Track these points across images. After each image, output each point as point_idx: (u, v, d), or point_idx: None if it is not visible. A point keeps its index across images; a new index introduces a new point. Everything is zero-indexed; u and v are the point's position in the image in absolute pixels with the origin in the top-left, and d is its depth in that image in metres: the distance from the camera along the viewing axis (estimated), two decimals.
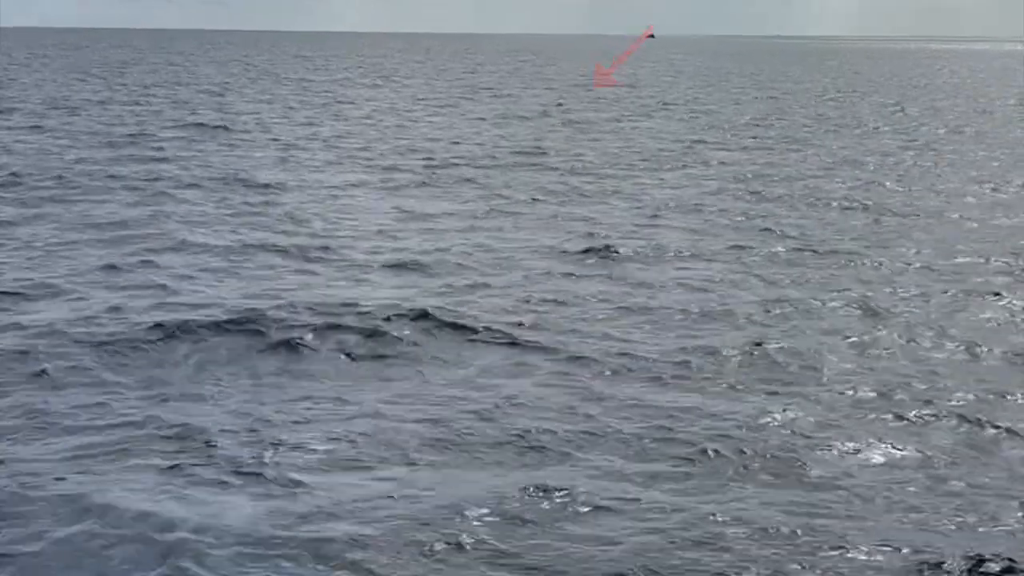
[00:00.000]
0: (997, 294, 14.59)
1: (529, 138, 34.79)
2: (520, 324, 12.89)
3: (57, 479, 8.55)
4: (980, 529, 7.93)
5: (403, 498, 8.27)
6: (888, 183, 25.29)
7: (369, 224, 19.54)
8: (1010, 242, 18.23)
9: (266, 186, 23.66)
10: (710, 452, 9.16)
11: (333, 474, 8.70)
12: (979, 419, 9.96)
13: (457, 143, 33.22)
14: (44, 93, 52.18)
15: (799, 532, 7.76)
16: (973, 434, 9.70)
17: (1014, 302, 14.20)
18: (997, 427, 9.80)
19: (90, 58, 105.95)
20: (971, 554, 7.42)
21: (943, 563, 7.33)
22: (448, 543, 7.58)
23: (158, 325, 12.48)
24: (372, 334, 12.39)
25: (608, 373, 11.25)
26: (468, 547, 7.55)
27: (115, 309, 13.36)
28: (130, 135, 33.66)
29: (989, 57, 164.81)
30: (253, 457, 8.96)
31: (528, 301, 14.07)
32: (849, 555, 7.49)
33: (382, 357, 11.81)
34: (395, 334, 12.37)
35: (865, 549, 7.54)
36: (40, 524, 7.83)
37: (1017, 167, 28.64)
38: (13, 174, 24.39)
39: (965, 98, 59.65)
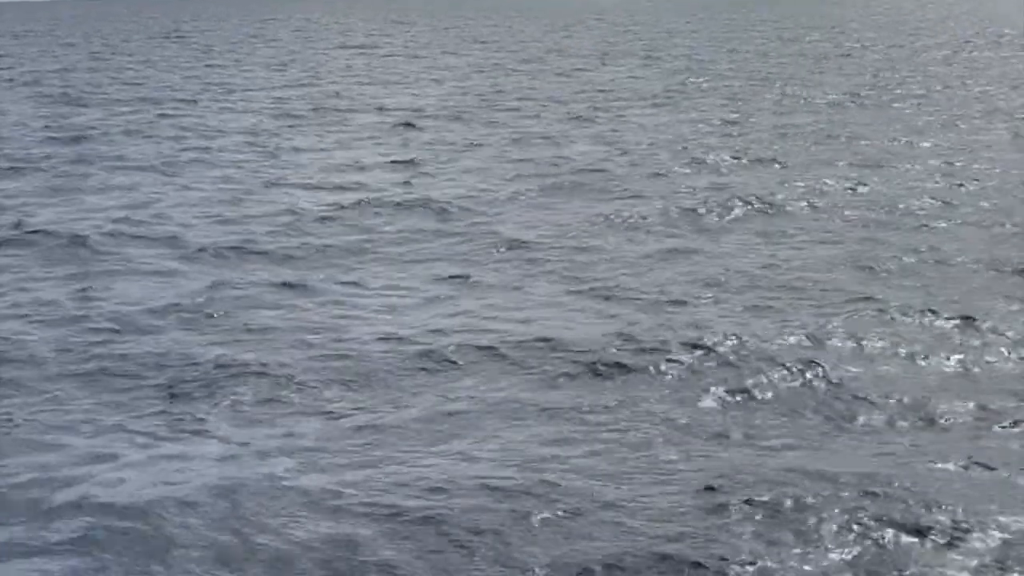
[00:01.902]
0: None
1: (509, 85, 35.60)
2: (517, 242, 13.94)
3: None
4: None
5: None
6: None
7: (365, 167, 20.49)
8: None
9: (255, 139, 24.49)
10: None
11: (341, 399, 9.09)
12: None
13: (439, 93, 34.01)
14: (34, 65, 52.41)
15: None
16: None
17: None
18: None
19: (74, 30, 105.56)
20: None
21: None
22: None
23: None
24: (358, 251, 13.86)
25: (590, 278, 12.12)
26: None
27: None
28: (120, 99, 34.15)
29: None
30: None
31: (521, 224, 15.05)
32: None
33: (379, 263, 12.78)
34: (387, 257, 13.56)
35: None
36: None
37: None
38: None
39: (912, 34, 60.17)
